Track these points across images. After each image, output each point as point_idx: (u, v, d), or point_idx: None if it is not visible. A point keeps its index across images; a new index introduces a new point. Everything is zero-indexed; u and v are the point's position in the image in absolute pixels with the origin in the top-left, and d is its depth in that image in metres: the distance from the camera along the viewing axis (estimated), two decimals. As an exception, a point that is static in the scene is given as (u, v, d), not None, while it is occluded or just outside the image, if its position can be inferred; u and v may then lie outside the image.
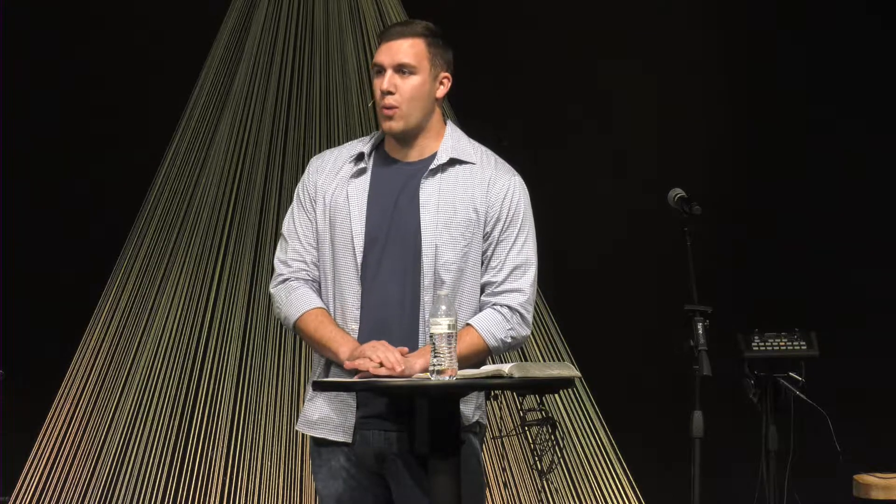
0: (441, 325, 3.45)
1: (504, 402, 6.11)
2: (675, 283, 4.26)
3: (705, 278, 4.23)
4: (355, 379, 3.63)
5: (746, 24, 6.80)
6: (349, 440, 3.74)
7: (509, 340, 3.76)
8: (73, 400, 6.49)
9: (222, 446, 6.46)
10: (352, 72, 6.78)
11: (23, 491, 6.39)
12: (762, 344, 5.17)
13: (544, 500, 6.34)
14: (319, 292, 3.81)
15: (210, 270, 6.62)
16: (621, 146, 6.75)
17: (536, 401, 5.66)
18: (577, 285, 6.57)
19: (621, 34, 6.75)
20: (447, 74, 3.81)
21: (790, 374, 5.14)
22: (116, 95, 6.66)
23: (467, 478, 3.65)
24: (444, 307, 3.46)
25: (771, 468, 5.11)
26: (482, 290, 3.79)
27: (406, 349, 3.64)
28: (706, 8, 6.87)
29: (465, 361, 3.65)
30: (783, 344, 5.18)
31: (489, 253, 3.78)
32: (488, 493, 6.27)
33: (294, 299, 3.79)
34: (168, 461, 6.43)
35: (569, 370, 3.62)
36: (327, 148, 4.02)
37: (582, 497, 6.47)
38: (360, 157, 3.83)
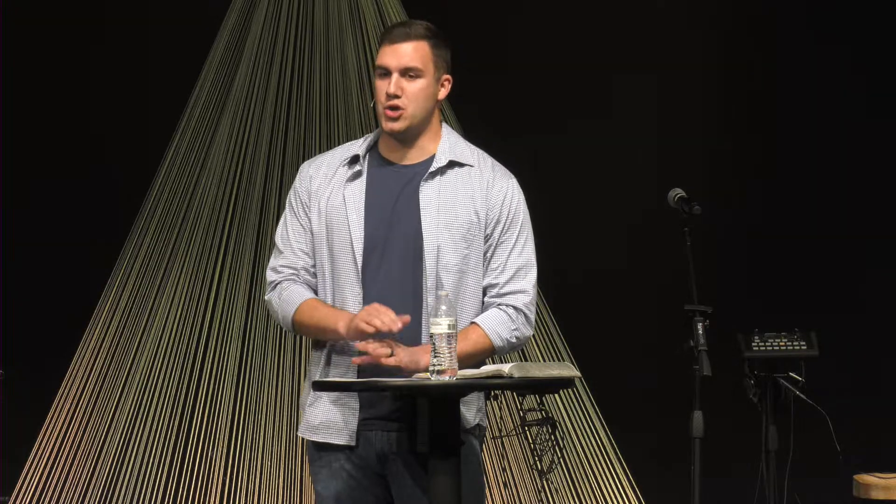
0: (441, 325, 3.45)
1: (504, 402, 6.12)
2: (675, 283, 4.27)
3: (705, 278, 4.23)
4: (356, 379, 3.65)
5: (746, 24, 6.80)
6: (353, 443, 3.74)
7: (514, 340, 3.77)
8: (73, 400, 6.49)
9: (222, 446, 6.46)
10: (352, 72, 6.78)
11: (23, 491, 6.40)
12: (762, 344, 5.16)
13: (544, 500, 6.34)
14: (315, 293, 3.81)
15: (210, 270, 6.62)
16: (621, 146, 6.74)
17: (536, 401, 5.67)
18: (577, 285, 6.57)
19: (622, 34, 6.75)
20: (448, 76, 3.82)
21: (790, 374, 5.14)
22: (116, 95, 6.66)
23: (468, 479, 3.65)
24: (444, 307, 3.46)
25: (771, 468, 5.11)
26: (484, 293, 3.80)
27: (408, 318, 3.61)
28: (706, 8, 6.86)
29: (468, 360, 3.67)
30: (783, 344, 5.18)
31: (489, 255, 3.79)
32: (488, 493, 6.27)
33: (286, 297, 3.80)
34: (168, 461, 6.43)
35: (569, 370, 3.63)
36: (328, 148, 4.02)
37: (582, 497, 6.47)
38: (354, 160, 3.82)
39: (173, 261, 6.63)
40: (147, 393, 6.51)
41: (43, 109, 6.63)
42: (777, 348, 5.16)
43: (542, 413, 5.77)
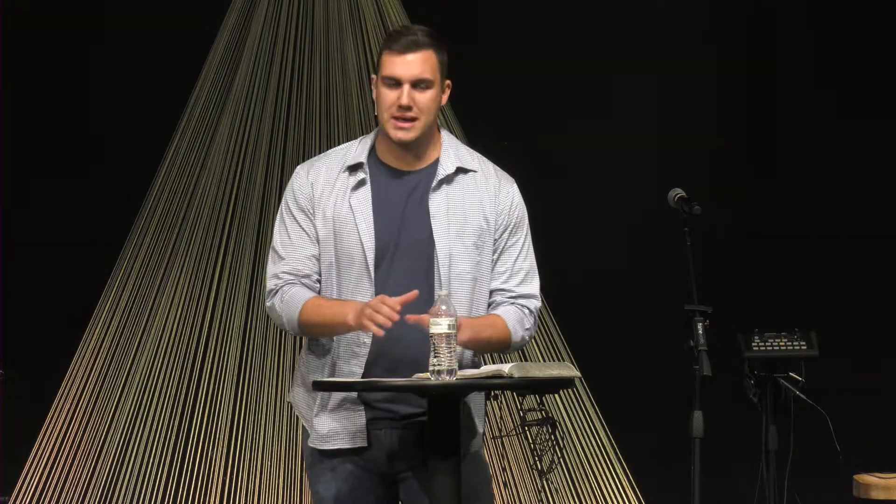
0: (441, 325, 3.45)
1: (504, 402, 6.12)
2: (675, 283, 4.27)
3: (705, 278, 4.23)
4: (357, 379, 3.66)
5: (746, 24, 6.80)
6: (365, 444, 3.74)
7: (526, 339, 3.83)
8: (73, 400, 6.49)
9: (222, 446, 6.46)
10: (352, 72, 6.78)
11: (23, 491, 6.40)
12: (762, 344, 5.16)
13: (544, 500, 6.34)
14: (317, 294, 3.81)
15: (210, 270, 6.62)
16: (621, 146, 6.74)
17: (536, 401, 5.67)
18: (577, 285, 6.57)
19: (622, 34, 6.75)
20: (448, 81, 3.82)
21: (790, 374, 5.14)
22: (116, 95, 6.66)
23: (486, 486, 3.78)
24: (444, 307, 3.46)
25: (771, 468, 5.11)
26: (490, 296, 3.82)
27: (427, 317, 3.53)
28: (706, 8, 6.86)
29: (487, 346, 3.75)
30: (783, 344, 5.18)
31: (495, 259, 3.82)
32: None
33: (288, 300, 3.76)
34: (168, 461, 6.43)
35: (569, 370, 3.63)
36: (328, 148, 4.00)
37: (582, 497, 6.47)
38: (355, 167, 3.81)
39: (173, 261, 6.63)
40: (147, 393, 6.51)
41: (43, 109, 6.63)
42: (777, 348, 5.17)
43: (542, 413, 5.77)
